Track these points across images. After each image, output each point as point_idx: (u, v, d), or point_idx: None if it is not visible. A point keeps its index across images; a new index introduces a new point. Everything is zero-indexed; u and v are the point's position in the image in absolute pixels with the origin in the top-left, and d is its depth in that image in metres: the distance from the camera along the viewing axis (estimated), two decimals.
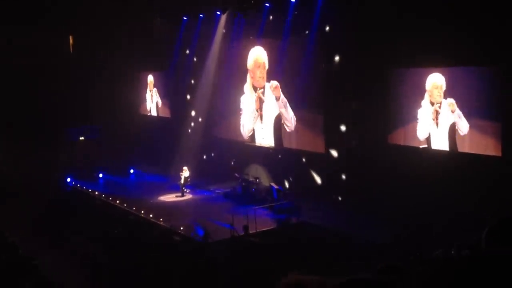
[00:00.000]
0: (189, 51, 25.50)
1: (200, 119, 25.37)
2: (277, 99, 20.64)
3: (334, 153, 18.80)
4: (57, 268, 14.69)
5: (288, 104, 20.35)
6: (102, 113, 27.59)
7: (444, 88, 15.38)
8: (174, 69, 26.43)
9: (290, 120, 20.36)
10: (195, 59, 25.25)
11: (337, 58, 18.43)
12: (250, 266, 12.57)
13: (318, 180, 19.44)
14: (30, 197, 21.31)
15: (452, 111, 15.09)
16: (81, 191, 23.18)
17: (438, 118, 15.68)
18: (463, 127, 14.91)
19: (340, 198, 18.55)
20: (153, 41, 26.28)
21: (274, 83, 20.71)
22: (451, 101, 15.12)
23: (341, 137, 18.48)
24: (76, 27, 26.94)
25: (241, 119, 22.96)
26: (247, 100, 22.51)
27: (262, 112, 21.92)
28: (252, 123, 22.52)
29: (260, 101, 21.96)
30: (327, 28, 18.68)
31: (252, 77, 22.10)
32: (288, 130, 20.60)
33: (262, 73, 21.70)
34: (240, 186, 20.54)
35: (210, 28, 23.36)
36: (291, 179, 20.60)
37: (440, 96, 15.50)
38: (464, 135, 14.96)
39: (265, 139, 21.92)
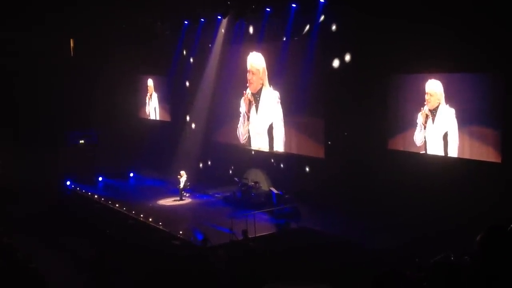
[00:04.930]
0: (189, 55, 25.52)
1: (193, 125, 25.42)
2: None
3: (334, 158, 18.76)
4: (55, 271, 14.63)
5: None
6: (102, 116, 27.61)
7: (442, 94, 15.39)
8: (174, 73, 26.41)
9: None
10: (194, 62, 25.26)
11: (337, 62, 18.42)
12: (249, 271, 12.52)
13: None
14: (30, 201, 21.30)
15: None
16: (80, 195, 23.15)
17: (427, 123, 15.82)
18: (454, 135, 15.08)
19: (340, 204, 18.50)
20: (153, 45, 26.28)
21: None
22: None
23: (341, 142, 18.45)
24: (77, 31, 26.97)
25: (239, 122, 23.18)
26: (242, 103, 22.73)
27: (250, 114, 22.24)
28: (242, 126, 22.71)
29: (250, 103, 22.12)
30: (328, 32, 18.66)
31: (248, 81, 22.21)
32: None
33: (256, 79, 21.80)
34: (239, 191, 20.50)
35: (211, 32, 23.38)
36: (290, 183, 20.54)
37: (437, 102, 15.51)
38: (458, 142, 15.05)
39: (262, 147, 22.02)
